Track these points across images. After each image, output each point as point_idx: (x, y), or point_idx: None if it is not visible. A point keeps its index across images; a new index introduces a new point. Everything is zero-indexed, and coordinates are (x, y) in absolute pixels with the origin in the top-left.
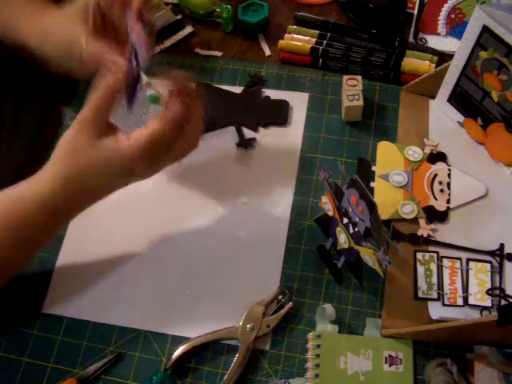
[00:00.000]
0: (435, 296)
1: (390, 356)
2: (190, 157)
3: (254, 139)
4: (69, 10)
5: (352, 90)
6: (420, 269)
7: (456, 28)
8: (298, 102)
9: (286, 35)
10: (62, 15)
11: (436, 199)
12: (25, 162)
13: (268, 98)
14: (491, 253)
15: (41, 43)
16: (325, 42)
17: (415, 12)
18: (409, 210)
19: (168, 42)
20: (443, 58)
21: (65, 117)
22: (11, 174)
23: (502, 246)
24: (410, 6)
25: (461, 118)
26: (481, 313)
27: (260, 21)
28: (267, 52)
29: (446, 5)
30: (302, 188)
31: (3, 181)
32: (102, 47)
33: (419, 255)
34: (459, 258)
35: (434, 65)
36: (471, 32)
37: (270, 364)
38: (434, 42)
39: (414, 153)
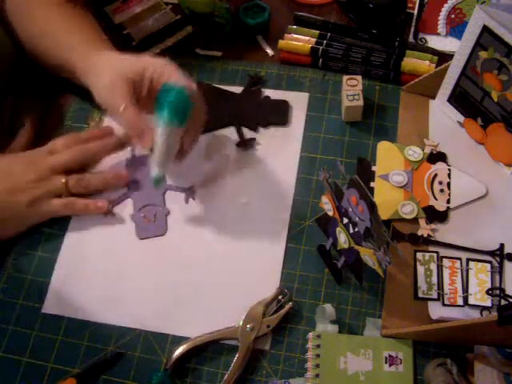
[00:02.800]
0: (435, 296)
1: (390, 356)
2: (190, 156)
3: (253, 139)
4: (122, 67)
5: (352, 90)
6: (420, 269)
7: (456, 28)
8: (298, 102)
9: (286, 35)
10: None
11: (436, 199)
12: None
13: (268, 97)
14: (491, 253)
15: (84, 78)
16: (325, 42)
17: (415, 12)
18: (409, 209)
19: (168, 42)
20: (443, 57)
21: (66, 113)
22: None
23: (502, 246)
24: (410, 5)
25: (461, 117)
26: (481, 313)
27: (259, 23)
28: (270, 52)
29: (446, 5)
30: (302, 188)
31: None
32: (137, 118)
33: (419, 255)
34: (459, 258)
35: (434, 65)
36: (471, 32)
37: (270, 364)
38: (433, 42)
39: (414, 153)
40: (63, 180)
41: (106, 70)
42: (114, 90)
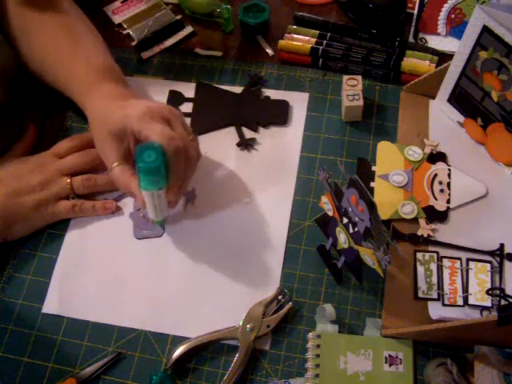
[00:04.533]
0: (435, 296)
1: (389, 356)
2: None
3: (254, 139)
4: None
5: (352, 90)
6: (420, 269)
7: (456, 28)
8: (298, 102)
9: (286, 35)
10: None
11: (436, 199)
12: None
13: (268, 98)
14: (491, 253)
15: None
16: (325, 42)
17: (415, 12)
18: (409, 210)
19: (168, 42)
20: (443, 58)
21: (67, 114)
22: None
23: (502, 246)
24: (410, 5)
25: (461, 117)
26: (481, 313)
27: (260, 23)
28: (270, 52)
29: (445, 5)
30: (302, 188)
31: None
32: (125, 178)
33: (419, 255)
34: (459, 258)
35: (434, 65)
36: (471, 32)
37: (270, 364)
38: (434, 42)
39: (414, 153)
40: (68, 180)
41: (96, 123)
42: (104, 148)
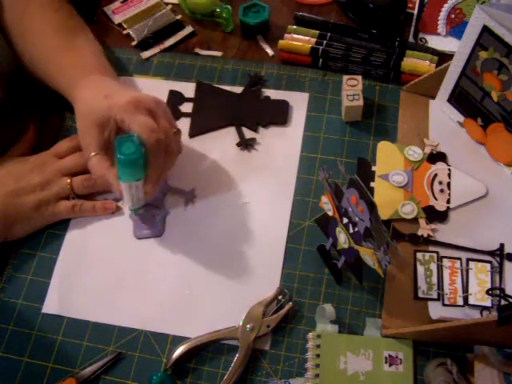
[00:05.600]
0: (435, 296)
1: (389, 356)
2: (190, 157)
3: (253, 139)
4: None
5: (352, 90)
6: (420, 269)
7: (456, 28)
8: (298, 102)
9: (286, 35)
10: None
11: (436, 199)
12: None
13: (268, 98)
14: (491, 253)
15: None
16: (325, 42)
17: (415, 12)
18: (409, 209)
19: (168, 42)
20: (443, 58)
21: (66, 114)
22: None
23: (502, 246)
24: (410, 5)
25: (461, 117)
26: (481, 313)
27: (260, 23)
28: (270, 52)
29: (445, 5)
30: (302, 188)
31: None
32: (105, 167)
33: (419, 255)
34: (459, 258)
35: (434, 65)
36: (471, 32)
37: (270, 364)
38: (434, 41)
39: (414, 153)
40: (68, 180)
41: (82, 113)
42: (85, 137)
